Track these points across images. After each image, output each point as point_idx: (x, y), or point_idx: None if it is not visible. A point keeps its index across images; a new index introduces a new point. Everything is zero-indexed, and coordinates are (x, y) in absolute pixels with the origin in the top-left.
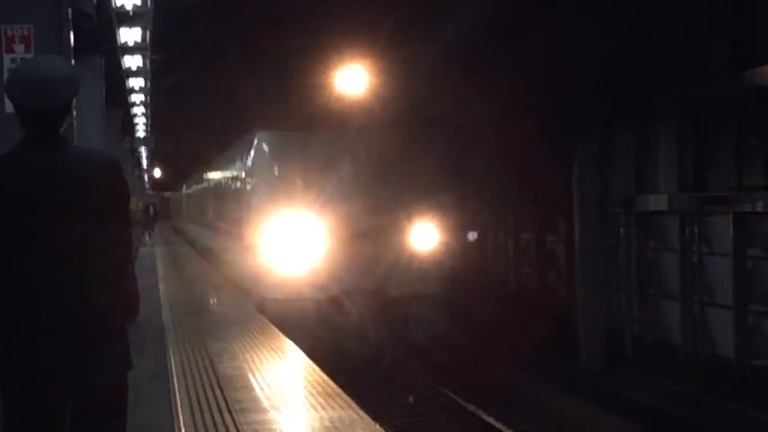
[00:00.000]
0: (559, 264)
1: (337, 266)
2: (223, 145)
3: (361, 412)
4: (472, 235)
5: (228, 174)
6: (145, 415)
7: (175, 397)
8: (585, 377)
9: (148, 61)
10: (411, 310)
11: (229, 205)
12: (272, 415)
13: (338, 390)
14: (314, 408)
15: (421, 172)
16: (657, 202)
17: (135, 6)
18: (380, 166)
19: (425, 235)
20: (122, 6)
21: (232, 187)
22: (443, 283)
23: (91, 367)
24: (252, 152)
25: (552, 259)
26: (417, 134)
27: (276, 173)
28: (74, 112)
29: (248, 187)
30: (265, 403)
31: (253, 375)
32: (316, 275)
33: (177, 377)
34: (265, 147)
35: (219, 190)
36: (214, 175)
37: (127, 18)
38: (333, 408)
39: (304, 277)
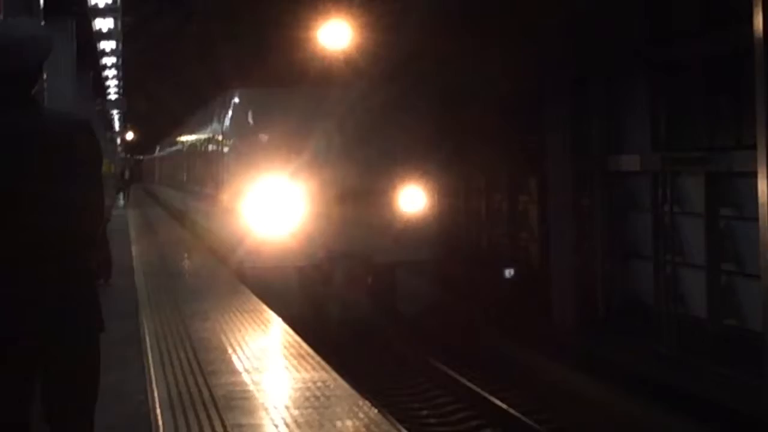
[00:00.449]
0: (533, 225)
1: (320, 232)
2: (199, 104)
3: (334, 374)
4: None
5: (204, 135)
6: (117, 378)
7: (147, 360)
8: (558, 337)
9: (119, 23)
10: (398, 277)
11: (205, 167)
12: (245, 377)
13: (311, 352)
14: (287, 369)
15: (409, 132)
16: (629, 162)
17: None
18: (366, 126)
19: (413, 199)
20: None
21: (209, 148)
22: (432, 248)
23: (62, 328)
24: (230, 111)
25: (525, 221)
26: (404, 92)
27: (255, 133)
28: (45, 75)
29: (226, 148)
30: (238, 365)
31: (226, 337)
32: (298, 241)
33: (149, 340)
34: (244, 105)
35: (194, 151)
36: (190, 137)
37: None
38: (306, 370)
39: (286, 243)
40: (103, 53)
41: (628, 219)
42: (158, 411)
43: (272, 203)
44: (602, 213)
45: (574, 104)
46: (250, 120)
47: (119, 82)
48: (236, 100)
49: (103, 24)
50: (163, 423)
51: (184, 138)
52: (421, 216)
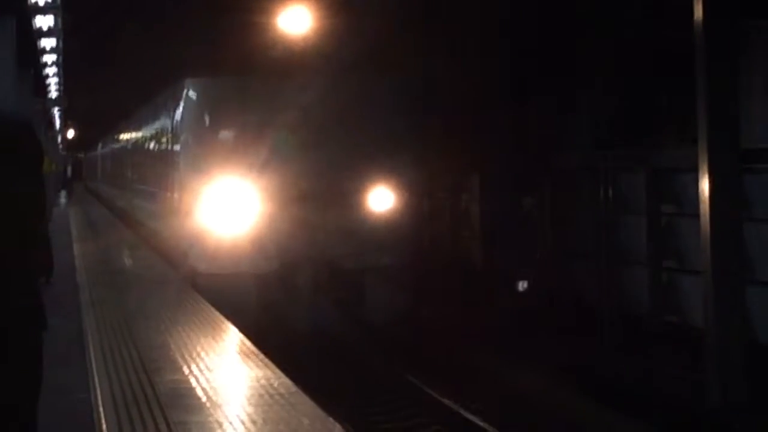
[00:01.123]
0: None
1: (281, 235)
2: (146, 98)
3: (278, 372)
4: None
5: (151, 130)
6: (60, 376)
7: (89, 358)
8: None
9: (60, 20)
10: (367, 283)
11: (152, 164)
12: (188, 375)
13: (255, 350)
14: (231, 367)
15: (377, 127)
16: (570, 159)
17: None
18: (330, 120)
19: (383, 199)
20: None
21: (156, 144)
22: (402, 252)
23: (3, 325)
24: (181, 103)
25: (467, 219)
26: (372, 83)
27: (209, 127)
28: None
29: (176, 143)
30: (181, 363)
31: (170, 336)
32: (258, 245)
33: (92, 338)
34: (196, 97)
35: (141, 147)
36: (135, 132)
37: None
38: (250, 367)
39: (244, 248)
40: (44, 51)
41: (572, 216)
42: (101, 408)
43: (226, 204)
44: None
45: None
46: (203, 113)
47: (60, 79)
48: (187, 90)
49: (44, 21)
50: (106, 420)
51: (130, 134)
52: (391, 217)
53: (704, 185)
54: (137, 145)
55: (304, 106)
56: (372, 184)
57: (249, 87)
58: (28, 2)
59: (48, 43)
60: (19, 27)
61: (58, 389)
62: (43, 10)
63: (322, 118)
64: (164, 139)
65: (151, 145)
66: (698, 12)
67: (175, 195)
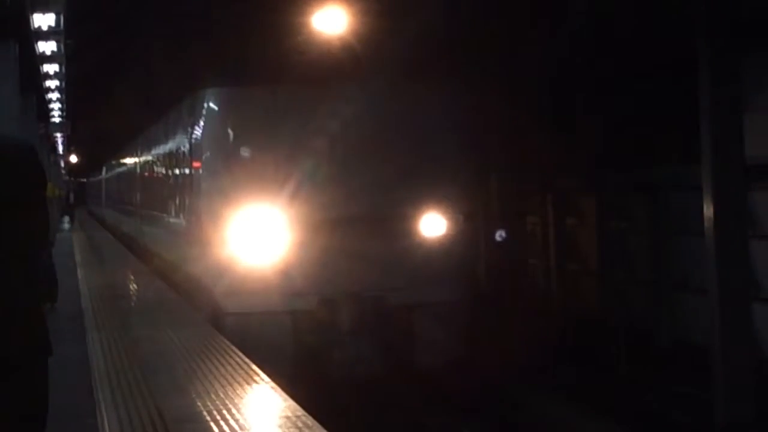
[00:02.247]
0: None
1: (319, 268)
2: (155, 117)
3: (284, 395)
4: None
5: (163, 149)
6: (66, 401)
7: (95, 382)
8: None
9: (62, 46)
10: (418, 323)
11: (165, 187)
12: (195, 400)
13: (266, 378)
14: (237, 391)
15: (429, 142)
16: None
17: None
18: (375, 134)
19: (436, 225)
20: None
21: (170, 164)
22: (458, 287)
23: (8, 352)
24: (200, 118)
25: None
26: (422, 92)
27: (235, 144)
28: None
29: (194, 164)
30: (188, 388)
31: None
32: (292, 280)
33: (97, 363)
34: (218, 109)
35: (151, 169)
36: (144, 154)
37: (40, 2)
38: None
39: (276, 283)
40: (47, 76)
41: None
42: None
43: (257, 233)
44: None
45: None
46: (228, 128)
47: (63, 105)
48: (208, 103)
49: (46, 47)
50: None
51: (137, 155)
52: (445, 246)
53: (708, 204)
54: (147, 167)
55: (344, 118)
56: (423, 208)
57: (279, 97)
58: (31, 27)
59: (50, 68)
60: (21, 52)
61: (65, 414)
62: (46, 36)
63: (364, 132)
64: (179, 160)
65: (163, 167)
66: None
67: (195, 222)
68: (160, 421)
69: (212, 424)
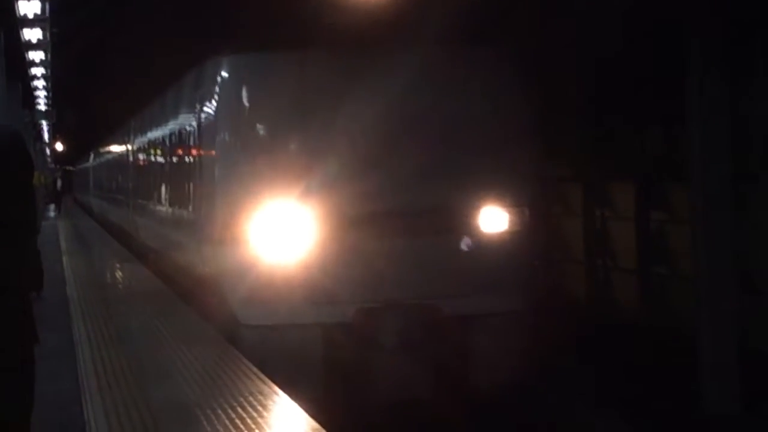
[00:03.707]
0: None
1: (356, 272)
2: (151, 97)
3: (275, 387)
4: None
5: (165, 130)
6: (52, 388)
7: (81, 370)
8: None
9: (48, 33)
10: (473, 336)
11: (165, 175)
12: (183, 386)
13: (255, 369)
14: (223, 379)
15: (487, 121)
16: None
17: None
18: (423, 111)
19: (498, 220)
20: None
21: (173, 149)
22: (521, 294)
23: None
24: (214, 92)
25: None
26: (481, 59)
27: (256, 123)
28: None
29: (205, 148)
30: (176, 376)
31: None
32: (323, 287)
33: (83, 351)
34: (236, 80)
35: (148, 153)
36: (140, 136)
37: None
38: (243, 382)
39: (304, 290)
40: (32, 64)
41: None
42: (93, 421)
43: (282, 231)
44: None
45: None
46: (248, 104)
47: (48, 92)
48: (224, 73)
49: (32, 35)
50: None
51: (131, 139)
52: (508, 245)
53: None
54: (143, 150)
55: (387, 92)
56: (480, 199)
57: (310, 66)
58: (17, 15)
59: (36, 55)
60: (7, 40)
61: (51, 402)
62: (32, 23)
63: (412, 108)
64: (186, 140)
65: (165, 151)
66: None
67: (207, 216)
68: (145, 408)
69: (198, 411)
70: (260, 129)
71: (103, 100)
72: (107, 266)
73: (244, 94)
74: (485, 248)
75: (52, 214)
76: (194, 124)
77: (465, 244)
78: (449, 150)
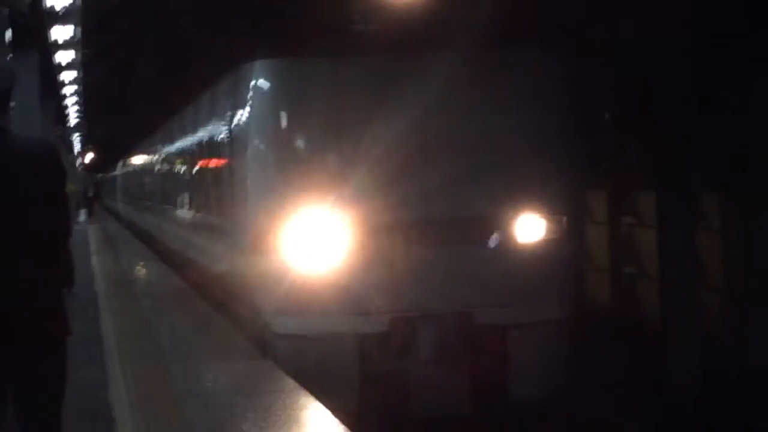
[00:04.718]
0: None
1: (392, 281)
2: (183, 102)
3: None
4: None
5: (193, 138)
6: (81, 376)
7: (110, 359)
8: None
9: (79, 55)
10: (514, 347)
11: (195, 182)
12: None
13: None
14: (242, 367)
15: (530, 127)
16: None
17: (64, 6)
18: (463, 117)
19: (536, 229)
20: (52, 6)
21: (201, 155)
22: (567, 302)
23: (32, 332)
24: (247, 97)
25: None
26: (523, 64)
27: (290, 129)
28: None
29: (237, 154)
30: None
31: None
32: (359, 296)
33: (111, 341)
34: (270, 85)
35: (175, 162)
36: (168, 144)
37: (58, 16)
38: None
39: (339, 300)
40: (64, 84)
41: None
42: (118, 405)
43: (317, 239)
44: None
45: None
46: (283, 109)
47: (80, 107)
48: (257, 78)
49: (65, 57)
50: (125, 418)
51: (160, 148)
52: (549, 253)
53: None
54: (172, 158)
55: (426, 97)
56: (519, 206)
57: (346, 71)
58: (50, 39)
59: (68, 76)
60: (41, 61)
61: (81, 389)
62: (64, 46)
63: (449, 115)
64: (214, 147)
65: (194, 157)
66: None
67: (238, 224)
68: (167, 395)
69: (219, 398)
70: (294, 135)
71: (131, 111)
72: (132, 265)
73: (278, 99)
74: (524, 256)
75: (82, 218)
76: (225, 129)
77: (493, 242)
78: (489, 158)
